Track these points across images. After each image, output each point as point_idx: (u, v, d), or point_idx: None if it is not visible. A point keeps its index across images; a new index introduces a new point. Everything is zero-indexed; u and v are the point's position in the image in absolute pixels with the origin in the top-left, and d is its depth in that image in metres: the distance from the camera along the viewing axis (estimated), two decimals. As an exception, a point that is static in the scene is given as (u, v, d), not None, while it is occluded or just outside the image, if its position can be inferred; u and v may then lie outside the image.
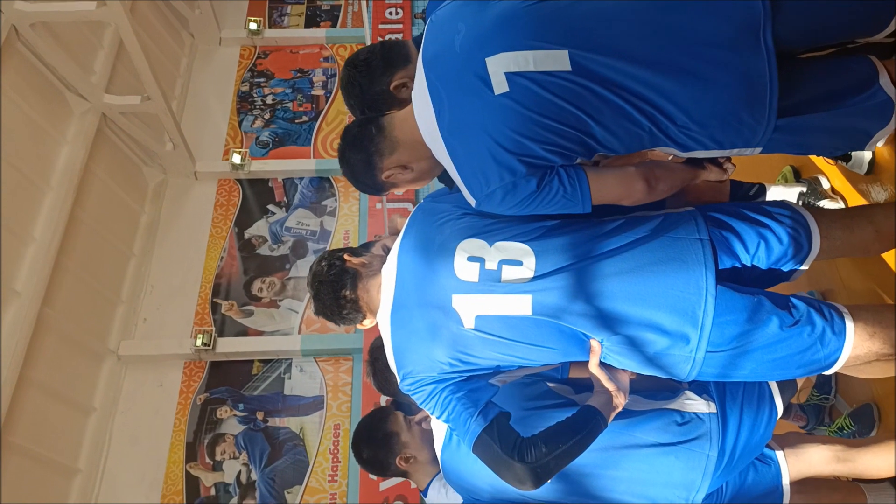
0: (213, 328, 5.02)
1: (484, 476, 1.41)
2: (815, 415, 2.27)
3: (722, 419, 1.54)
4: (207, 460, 4.85)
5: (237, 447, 4.89)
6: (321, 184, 5.67)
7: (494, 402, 1.39)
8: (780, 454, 1.61)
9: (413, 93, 1.45)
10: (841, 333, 1.37)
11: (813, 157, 2.24)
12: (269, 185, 5.65)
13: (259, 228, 5.48)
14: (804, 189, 2.23)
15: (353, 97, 1.74)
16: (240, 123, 5.93)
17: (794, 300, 1.39)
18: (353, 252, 1.55)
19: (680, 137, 1.33)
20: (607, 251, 1.39)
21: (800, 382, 1.62)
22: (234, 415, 4.94)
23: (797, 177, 2.34)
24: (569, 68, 1.30)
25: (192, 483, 4.79)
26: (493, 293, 1.38)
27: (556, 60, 1.30)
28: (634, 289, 1.35)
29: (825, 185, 2.19)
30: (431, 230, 1.47)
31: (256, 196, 5.60)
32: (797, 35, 1.31)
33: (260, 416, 4.95)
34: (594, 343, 1.38)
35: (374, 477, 5.00)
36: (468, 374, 1.42)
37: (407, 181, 1.52)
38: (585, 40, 1.30)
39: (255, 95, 6.07)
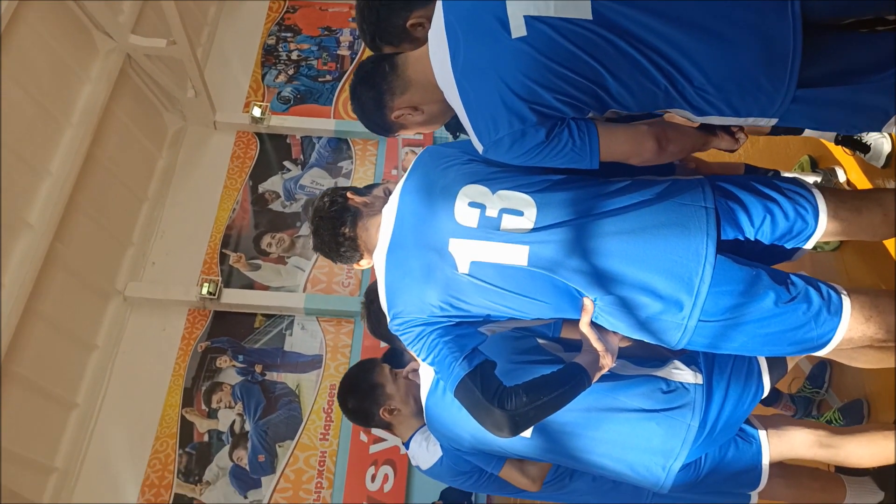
0: (220, 278, 5.06)
1: (466, 425, 1.42)
2: (804, 406, 2.26)
3: (707, 391, 1.53)
4: (203, 407, 4.92)
5: (233, 397, 4.94)
6: (339, 145, 5.65)
7: (481, 350, 1.39)
8: (762, 433, 1.60)
9: (430, 32, 1.42)
10: (837, 314, 1.35)
11: (831, 148, 2.19)
12: (287, 141, 5.65)
13: (273, 184, 5.49)
14: (819, 179, 2.20)
15: (368, 23, 1.70)
16: (263, 77, 5.91)
17: (793, 277, 1.37)
18: (357, 191, 1.55)
19: (695, 100, 1.30)
20: (610, 210, 1.37)
21: (790, 363, 1.60)
22: (233, 365, 4.99)
23: (814, 167, 2.30)
24: (590, 17, 1.27)
25: (186, 427, 4.86)
26: (491, 240, 1.37)
27: (578, 8, 1.27)
28: (633, 250, 1.34)
29: (841, 177, 2.16)
30: (436, 173, 1.46)
31: (273, 151, 5.60)
32: (825, 4, 1.27)
33: (258, 369, 5.00)
34: (587, 302, 1.37)
35: (364, 439, 5.05)
36: (458, 320, 1.42)
37: (416, 123, 1.50)
38: None
39: (280, 50, 6.04)
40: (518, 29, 1.29)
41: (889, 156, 1.94)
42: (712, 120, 1.35)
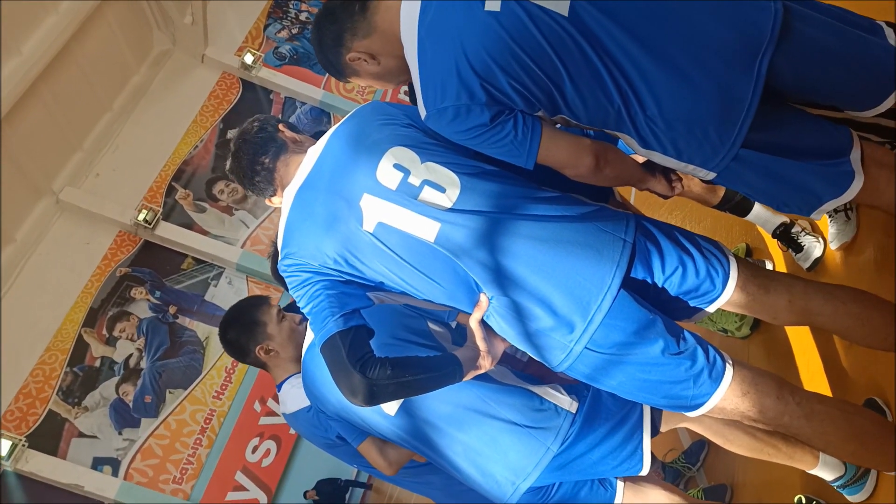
0: (161, 209, 4.91)
1: (335, 390, 1.36)
2: (672, 477, 2.27)
3: (582, 426, 1.50)
4: (104, 332, 4.74)
5: (138, 331, 4.78)
6: (320, 116, 5.59)
7: (362, 314, 1.34)
8: (621, 484, 1.58)
9: None
10: (717, 380, 1.34)
11: (768, 241, 2.23)
12: (270, 97, 5.56)
13: (244, 134, 5.38)
14: None
15: None
16: (266, 27, 5.81)
17: (686, 333, 1.36)
18: (291, 126, 1.49)
19: (644, 129, 1.29)
20: (530, 214, 1.34)
21: (665, 425, 1.59)
22: (148, 299, 4.84)
23: (749, 255, 2.34)
24: (566, 14, 1.25)
25: (80, 347, 4.67)
26: (405, 207, 1.33)
27: (557, 1, 1.25)
28: (541, 258, 1.31)
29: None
30: (371, 126, 1.41)
31: (254, 102, 5.50)
32: (792, 76, 1.28)
33: (172, 310, 4.84)
34: (483, 298, 1.33)
35: (257, 408, 4.92)
36: (348, 278, 1.36)
37: (370, 73, 1.45)
38: None
39: (291, 6, 5.96)
40: (493, 2, 1.26)
41: (817, 260, 1.98)
42: (655, 156, 1.35)
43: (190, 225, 5.00)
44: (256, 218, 5.16)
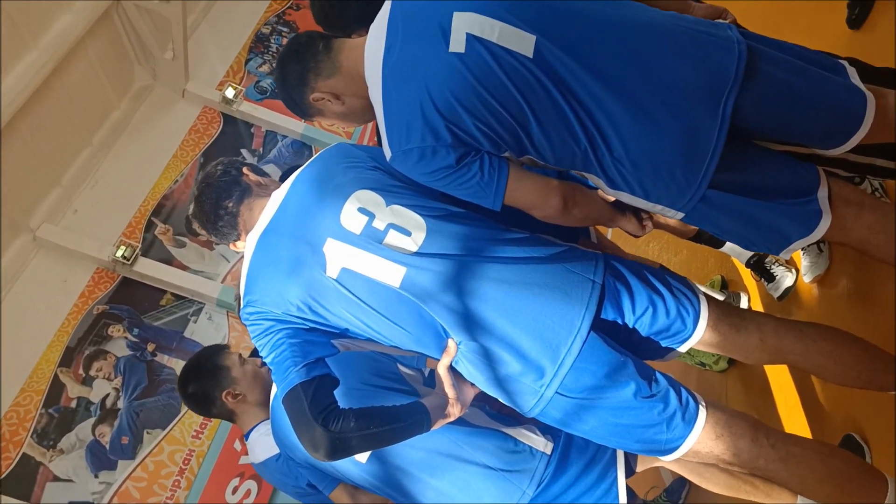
0: (140, 245, 4.85)
1: None
2: (651, 515, 2.24)
3: (558, 467, 1.48)
4: (80, 371, 4.64)
5: (115, 370, 4.69)
6: (301, 149, 5.57)
7: (327, 363, 1.31)
8: None
9: (373, 23, 1.38)
10: (690, 423, 1.32)
11: (743, 273, 2.24)
12: (252, 130, 5.54)
13: (225, 168, 5.36)
14: (720, 298, 2.23)
15: (321, 3, 1.68)
16: (247, 61, 5.83)
17: (658, 375, 1.34)
18: (255, 169, 1.48)
19: (611, 170, 1.29)
20: (497, 256, 1.33)
21: (644, 464, 1.56)
22: (126, 337, 4.76)
23: (724, 287, 2.35)
24: (530, 55, 1.25)
25: (56, 387, 4.58)
26: (369, 252, 1.31)
27: (521, 42, 1.25)
28: (508, 301, 1.29)
29: (744, 303, 2.19)
30: (336, 169, 1.40)
31: (235, 136, 5.48)
32: (757, 116, 1.29)
33: (150, 347, 4.77)
34: (451, 343, 1.31)
35: (237, 447, 4.82)
36: (312, 325, 1.34)
37: (334, 113, 1.45)
38: (557, 34, 1.25)
39: (272, 41, 5.99)
40: (457, 44, 1.26)
41: (787, 290, 1.99)
42: (623, 197, 1.34)
43: (169, 260, 4.95)
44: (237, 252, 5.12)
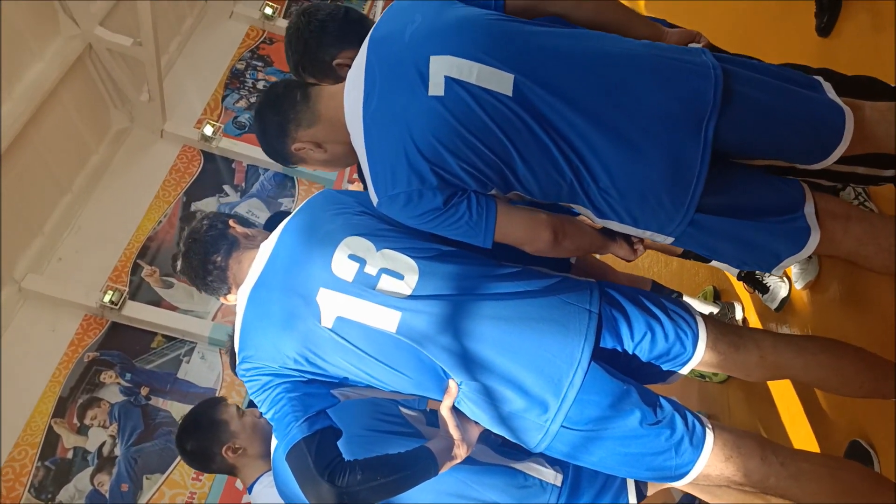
0: (127, 289, 4.81)
1: None
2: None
3: (569, 497, 1.47)
4: (75, 421, 4.58)
5: (110, 417, 4.63)
6: (284, 181, 5.57)
7: (328, 414, 1.30)
8: None
9: (350, 70, 1.38)
10: (698, 447, 1.32)
11: (734, 283, 2.25)
12: (233, 166, 5.53)
13: (208, 205, 5.33)
14: (716, 311, 2.24)
15: (295, 51, 1.67)
16: (224, 98, 5.83)
17: (662, 400, 1.34)
18: (241, 221, 1.47)
19: (598, 201, 1.29)
20: (492, 293, 1.32)
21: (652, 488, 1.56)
22: (118, 383, 4.70)
23: (717, 298, 2.36)
24: (510, 93, 1.25)
25: (51, 439, 4.51)
26: (363, 298, 1.30)
27: (500, 81, 1.25)
28: (506, 338, 1.29)
29: (738, 313, 2.21)
30: (323, 217, 1.39)
31: (216, 172, 5.46)
32: (738, 140, 1.30)
33: (144, 391, 4.71)
34: (452, 384, 1.30)
35: (239, 486, 4.77)
36: (311, 377, 1.33)
37: (317, 161, 1.44)
38: (535, 71, 1.25)
39: (247, 76, 6.00)
40: (437, 87, 1.25)
41: (784, 300, 1.99)
42: (612, 225, 1.35)
43: (158, 302, 4.90)
44: (226, 289, 5.08)
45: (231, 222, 1.44)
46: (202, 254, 1.41)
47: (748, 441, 1.35)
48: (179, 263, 1.44)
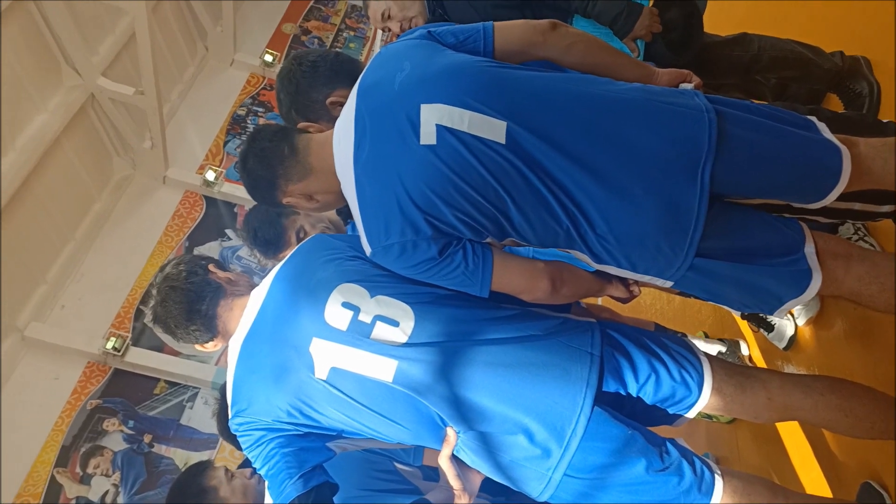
0: (130, 335, 4.79)
1: None
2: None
3: None
4: (78, 470, 4.52)
5: (113, 465, 4.57)
6: (286, 224, 5.59)
7: (324, 469, 1.27)
8: None
9: (339, 119, 1.38)
10: (707, 494, 1.28)
11: (738, 320, 2.22)
12: (235, 210, 5.56)
13: (210, 249, 5.35)
14: (723, 349, 2.21)
15: (286, 93, 1.66)
16: (225, 143, 5.89)
17: (669, 445, 1.31)
18: (220, 265, 1.44)
19: (596, 247, 1.27)
20: (489, 338, 1.28)
21: None
22: (121, 430, 4.65)
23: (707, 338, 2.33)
24: (503, 141, 1.23)
25: (53, 489, 4.44)
26: (358, 348, 1.26)
27: (493, 129, 1.23)
28: (506, 386, 1.25)
29: (744, 350, 2.17)
30: (315, 264, 1.36)
31: (218, 217, 5.49)
32: (735, 181, 1.29)
33: (147, 438, 4.66)
34: (450, 432, 1.26)
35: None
36: (306, 430, 1.29)
37: (308, 209, 1.44)
38: (528, 119, 1.24)
39: (248, 122, 6.07)
40: (428, 136, 1.24)
41: (791, 338, 1.96)
42: (610, 270, 1.33)
43: (160, 347, 4.88)
44: (229, 332, 5.06)
45: (210, 267, 1.40)
46: (184, 302, 1.36)
47: (758, 487, 1.32)
48: (156, 311, 1.40)
